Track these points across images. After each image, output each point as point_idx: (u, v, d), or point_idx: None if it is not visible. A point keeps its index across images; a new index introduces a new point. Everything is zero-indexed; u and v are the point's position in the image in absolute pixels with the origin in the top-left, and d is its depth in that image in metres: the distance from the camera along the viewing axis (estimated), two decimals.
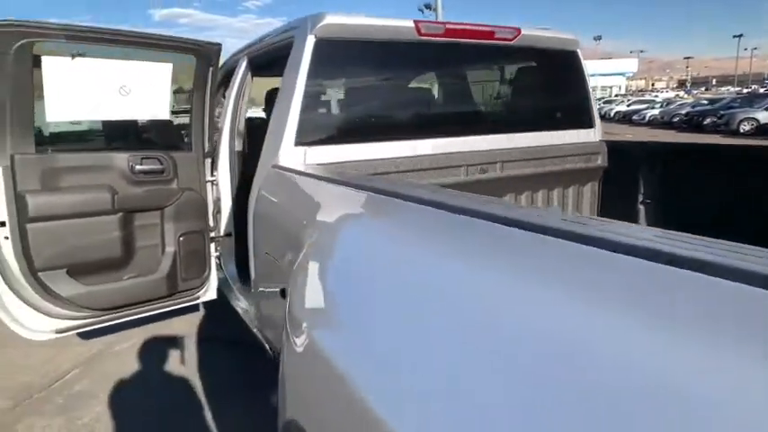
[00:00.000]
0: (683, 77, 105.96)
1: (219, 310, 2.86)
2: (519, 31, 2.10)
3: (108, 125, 2.87)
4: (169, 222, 2.20)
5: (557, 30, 2.29)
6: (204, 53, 2.14)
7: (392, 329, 0.76)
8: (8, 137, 1.83)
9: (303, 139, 1.74)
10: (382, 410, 0.66)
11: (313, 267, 1.07)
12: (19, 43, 1.76)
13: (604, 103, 34.29)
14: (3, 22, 1.73)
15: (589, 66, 2.52)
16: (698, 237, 0.61)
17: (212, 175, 2.38)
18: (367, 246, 0.99)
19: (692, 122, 20.29)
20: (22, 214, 1.86)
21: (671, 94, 47.34)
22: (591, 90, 2.40)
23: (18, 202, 1.86)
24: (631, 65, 64.38)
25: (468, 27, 1.99)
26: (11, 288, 1.93)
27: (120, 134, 2.66)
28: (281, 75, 1.95)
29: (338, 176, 1.33)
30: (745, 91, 40.19)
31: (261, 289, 1.80)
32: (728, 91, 48.16)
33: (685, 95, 44.49)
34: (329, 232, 1.14)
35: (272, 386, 2.25)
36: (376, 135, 1.89)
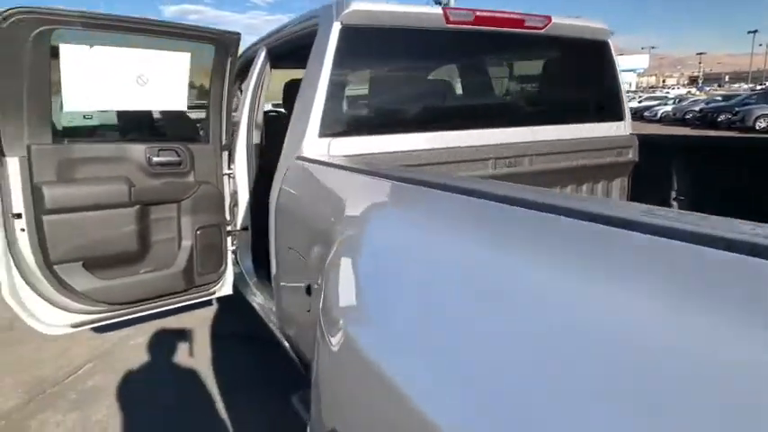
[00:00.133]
0: (695, 74, 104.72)
1: (233, 305, 2.83)
2: (549, 19, 2.02)
3: (123, 117, 2.83)
4: (186, 216, 2.16)
5: (587, 18, 2.21)
6: (223, 42, 2.09)
7: (436, 327, 0.72)
8: (25, 127, 1.79)
9: (327, 131, 1.68)
10: (430, 411, 0.62)
11: (349, 263, 1.01)
12: (37, 30, 1.72)
13: None
14: (21, 8, 1.68)
15: None
16: None
17: (229, 167, 2.33)
18: (408, 240, 0.94)
19: (706, 119, 20.07)
20: (38, 206, 1.82)
21: (682, 91, 46.83)
22: (622, 82, 2.31)
23: (34, 193, 1.82)
24: (642, 61, 63.70)
25: (497, 15, 1.91)
26: (26, 281, 1.89)
27: (135, 126, 2.62)
28: (301, 65, 1.89)
29: (372, 167, 1.26)
30: (758, 87, 39.60)
31: (282, 283, 1.74)
32: (741, 88, 47.49)
33: (697, 92, 43.98)
34: (365, 226, 1.08)
35: (289, 382, 2.22)
36: (401, 126, 1.82)
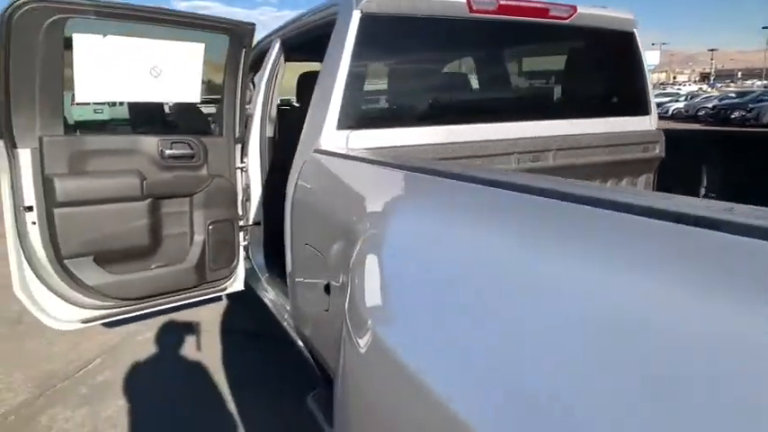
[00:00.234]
0: (706, 70, 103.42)
1: (243, 301, 2.79)
2: (575, 9, 1.95)
3: (134, 111, 2.79)
4: (198, 210, 2.12)
5: (613, 8, 2.13)
6: (238, 33, 2.04)
7: (467, 326, 0.68)
8: (37, 118, 1.75)
9: (346, 123, 1.62)
10: (461, 411, 0.59)
11: (377, 261, 0.95)
12: (51, 19, 1.68)
13: None
14: None
15: None
16: None
17: (242, 161, 2.28)
18: (439, 236, 0.89)
19: (719, 116, 19.84)
20: (49, 198, 1.79)
21: (693, 88, 46.28)
22: (648, 74, 2.23)
23: (45, 185, 1.78)
24: (653, 57, 62.83)
25: (521, 3, 1.84)
26: (37, 275, 1.86)
27: (146, 120, 2.58)
28: (316, 57, 1.83)
29: (398, 160, 1.20)
30: None
31: (299, 281, 1.69)
32: (755, 84, 46.86)
33: (709, 89, 43.44)
34: (393, 222, 1.02)
35: (300, 380, 2.18)
36: (422, 119, 1.76)
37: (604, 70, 2.26)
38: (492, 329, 0.65)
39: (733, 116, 18.97)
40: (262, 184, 2.40)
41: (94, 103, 3.74)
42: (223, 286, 2.30)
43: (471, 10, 1.75)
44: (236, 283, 2.33)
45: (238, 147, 2.23)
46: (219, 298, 3.17)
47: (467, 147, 1.74)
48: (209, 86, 2.28)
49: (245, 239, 2.36)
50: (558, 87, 2.39)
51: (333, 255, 1.28)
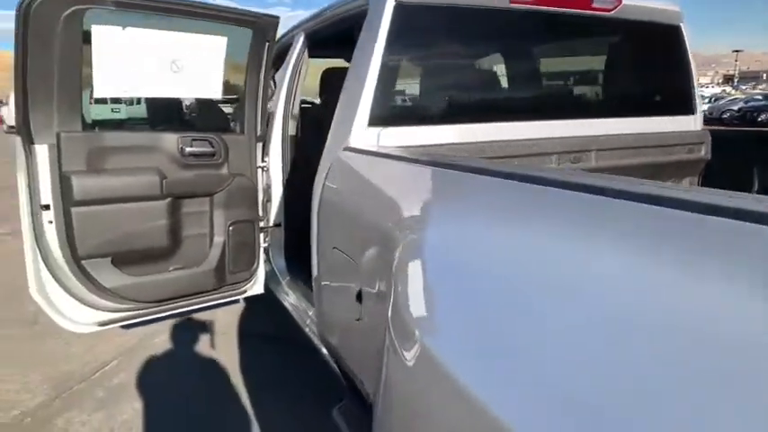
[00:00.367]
0: (729, 72, 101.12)
1: (261, 304, 2.72)
2: (619, 0, 1.83)
3: (152, 109, 2.73)
4: (218, 210, 2.04)
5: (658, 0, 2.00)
6: (262, 26, 1.95)
7: (517, 335, 0.64)
8: (55, 114, 1.69)
9: (377, 119, 1.52)
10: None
11: (421, 267, 0.87)
12: (69, 10, 1.61)
13: None
14: None
15: None
16: None
17: (263, 160, 2.20)
18: (488, 240, 0.81)
19: (745, 119, 19.43)
20: (66, 197, 1.72)
21: (717, 90, 45.32)
22: (695, 71, 2.09)
23: (63, 183, 1.72)
24: None
25: None
26: (53, 276, 1.80)
27: (164, 119, 2.52)
28: (343, 52, 1.74)
29: (440, 159, 1.10)
30: None
31: (325, 286, 1.60)
32: None
33: (733, 91, 42.47)
34: (437, 226, 0.93)
35: (320, 384, 2.10)
36: (456, 117, 1.66)
37: (648, 66, 2.13)
38: (555, 338, 0.60)
39: (760, 118, 18.51)
40: (283, 184, 2.32)
41: (112, 102, 3.70)
42: (243, 289, 2.22)
43: (511, 0, 1.64)
44: (256, 286, 2.26)
45: (259, 145, 2.16)
46: (237, 300, 3.12)
47: (504, 146, 1.63)
48: (226, 86, 2.21)
49: (265, 241, 2.29)
50: (600, 85, 2.26)
51: (366, 260, 1.19)
